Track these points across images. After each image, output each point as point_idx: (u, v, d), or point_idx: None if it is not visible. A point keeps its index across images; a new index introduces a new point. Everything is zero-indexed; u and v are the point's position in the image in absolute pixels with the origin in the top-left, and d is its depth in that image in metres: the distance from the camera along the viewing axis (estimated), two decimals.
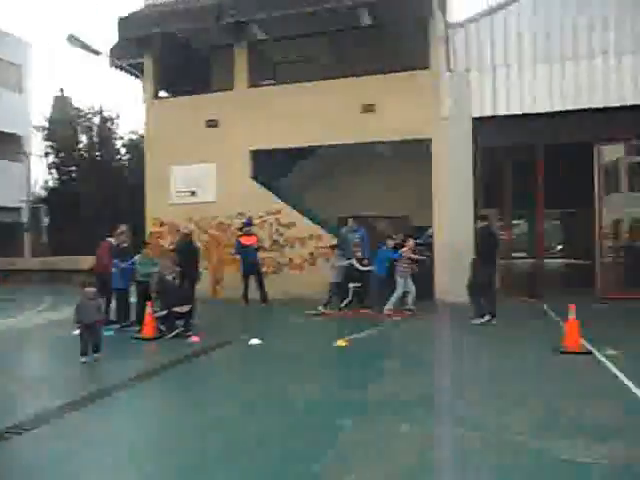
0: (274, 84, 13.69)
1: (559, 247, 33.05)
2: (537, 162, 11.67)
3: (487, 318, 8.75)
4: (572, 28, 11.27)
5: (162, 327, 8.25)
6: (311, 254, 12.79)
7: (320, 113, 12.74)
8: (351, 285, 10.47)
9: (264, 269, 12.69)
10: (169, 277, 8.48)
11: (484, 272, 8.80)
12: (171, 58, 14.02)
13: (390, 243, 10.28)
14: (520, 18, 11.56)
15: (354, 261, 10.40)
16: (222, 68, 14.14)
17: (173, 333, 8.12)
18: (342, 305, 10.42)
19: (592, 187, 12.31)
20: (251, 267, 11.63)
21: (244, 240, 11.66)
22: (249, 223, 12.02)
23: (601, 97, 11.10)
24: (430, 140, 12.06)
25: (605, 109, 11.07)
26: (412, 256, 10.02)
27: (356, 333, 8.17)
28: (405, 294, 10.07)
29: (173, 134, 13.71)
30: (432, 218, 12.23)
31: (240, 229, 12.05)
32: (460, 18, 12.05)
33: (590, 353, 6.46)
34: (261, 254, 12.61)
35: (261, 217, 13.08)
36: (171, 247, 12.27)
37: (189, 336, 8.02)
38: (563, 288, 13.17)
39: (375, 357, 6.78)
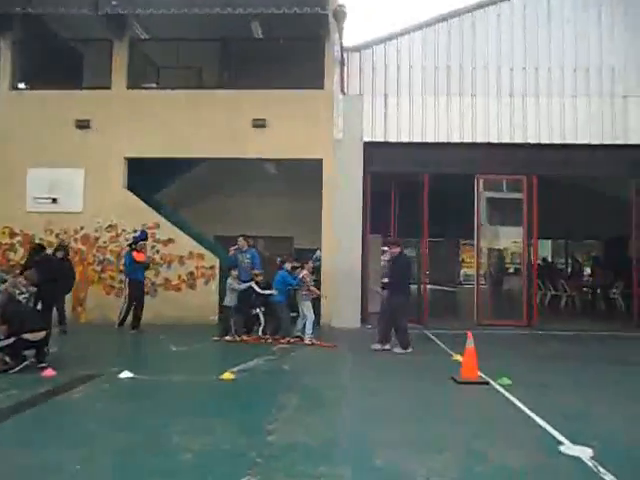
0: (157, 88, 12.56)
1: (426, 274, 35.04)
2: (422, 191, 11.91)
3: (404, 350, 8.43)
4: (459, 66, 11.81)
5: (7, 359, 6.77)
6: (191, 274, 11.75)
7: (206, 124, 11.92)
8: (258, 310, 9.69)
9: None
10: (20, 298, 7.04)
11: (398, 301, 8.52)
12: (35, 46, 12.30)
13: (288, 265, 9.72)
14: (411, 50, 11.87)
15: (253, 284, 9.64)
16: (97, 64, 12.71)
17: (21, 366, 6.70)
18: (260, 333, 9.64)
19: (459, 218, 12.98)
20: (140, 288, 10.33)
21: (136, 256, 10.31)
22: (144, 237, 10.67)
23: (482, 133, 11.70)
24: (320, 161, 11.81)
25: (486, 144, 11.68)
26: (310, 286, 9.54)
27: (243, 363, 7.40)
28: (296, 319, 9.57)
29: (33, 132, 11.93)
30: (320, 241, 11.93)
31: (132, 244, 10.63)
32: (356, 42, 12.03)
33: (487, 383, 6.37)
34: None
35: (135, 232, 11.79)
36: (23, 262, 10.56)
37: (43, 369, 6.66)
38: (435, 314, 13.38)
39: (269, 392, 6.07)
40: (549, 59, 11.75)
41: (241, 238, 10.34)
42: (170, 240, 11.78)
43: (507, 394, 5.92)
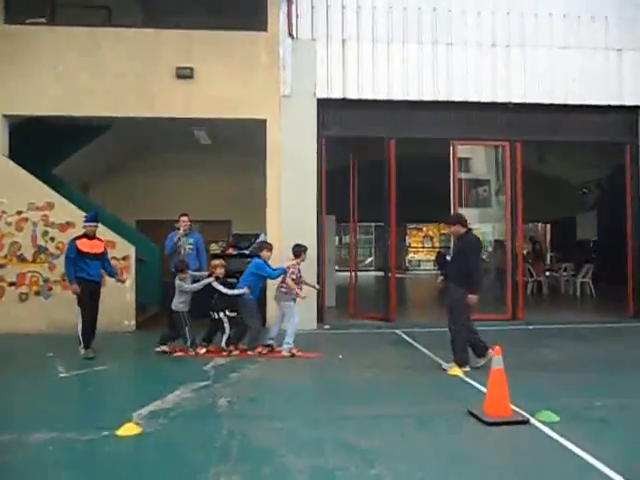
0: (47, 24, 9.61)
1: (369, 260, 33.49)
2: (389, 160, 9.77)
3: (486, 358, 6.10)
4: (432, 9, 9.67)
5: None
6: None
7: (114, 73, 9.23)
8: (223, 315, 7.17)
9: (23, 288, 8.87)
10: None
11: (455, 296, 6.19)
12: None
13: (266, 254, 7.39)
14: None
15: (214, 281, 7.20)
16: None
17: None
18: (223, 344, 7.13)
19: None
20: (94, 289, 7.26)
21: (83, 245, 7.09)
22: (94, 217, 7.38)
23: (460, 90, 9.68)
24: (264, 122, 9.41)
25: (464, 103, 9.69)
26: (300, 280, 7.29)
27: (159, 398, 4.99)
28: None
29: None
30: (264, 224, 9.59)
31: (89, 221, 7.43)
32: None
33: (527, 422, 4.31)
34: (20, 267, 8.84)
35: (20, 213, 9.02)
36: None
37: None
38: (400, 307, 11.33)
39: (195, 464, 3.66)
40: (536, 3, 9.86)
41: (185, 217, 7.87)
42: (68, 224, 8.97)
43: (566, 443, 3.88)
